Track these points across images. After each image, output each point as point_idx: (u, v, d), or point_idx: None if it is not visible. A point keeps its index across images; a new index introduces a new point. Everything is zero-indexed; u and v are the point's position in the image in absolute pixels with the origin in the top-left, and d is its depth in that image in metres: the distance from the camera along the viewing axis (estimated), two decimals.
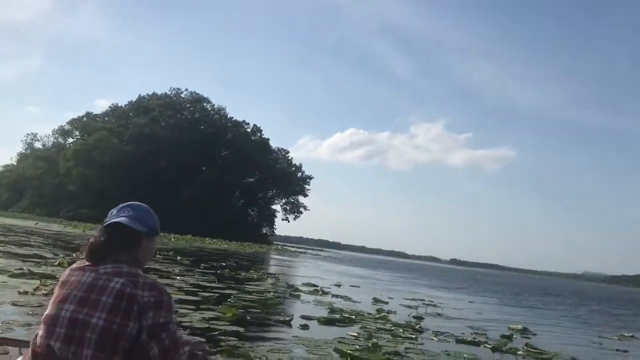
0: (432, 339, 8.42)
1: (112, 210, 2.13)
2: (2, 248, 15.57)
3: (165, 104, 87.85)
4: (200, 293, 10.26)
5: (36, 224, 45.49)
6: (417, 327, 9.52)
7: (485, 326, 11.18)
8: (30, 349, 1.95)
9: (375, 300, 14.10)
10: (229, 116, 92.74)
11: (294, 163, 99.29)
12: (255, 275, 16.86)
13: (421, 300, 16.26)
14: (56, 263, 12.55)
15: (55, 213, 77.66)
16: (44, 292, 7.87)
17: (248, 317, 8.05)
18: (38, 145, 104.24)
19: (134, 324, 1.88)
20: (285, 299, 11.77)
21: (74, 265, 2.04)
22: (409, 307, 13.55)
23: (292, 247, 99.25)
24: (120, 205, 2.13)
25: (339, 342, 6.96)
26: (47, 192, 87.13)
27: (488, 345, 8.31)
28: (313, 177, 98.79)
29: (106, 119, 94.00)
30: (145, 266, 2.14)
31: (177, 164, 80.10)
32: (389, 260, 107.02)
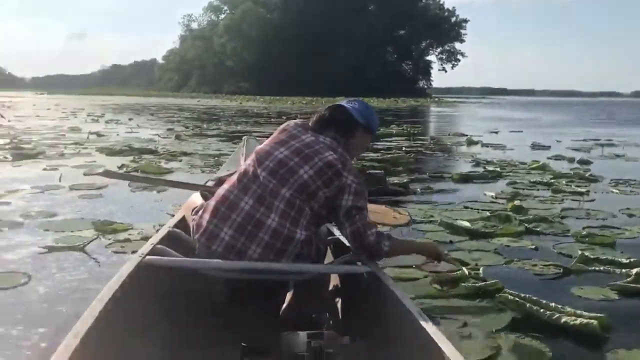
0: (610, 192, 6.16)
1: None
2: (134, 124, 15.47)
3: None
4: None
5: (198, 101, 47.60)
6: (588, 175, 7.22)
7: None
8: (237, 175, 2.18)
9: (536, 146, 11.71)
10: None
11: (446, 7, 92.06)
12: (394, 130, 15.09)
13: (595, 140, 13.41)
14: (173, 137, 11.91)
15: (218, 90, 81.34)
16: (125, 170, 6.89)
17: None
18: (194, 25, 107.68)
19: (328, 192, 2.06)
20: (421, 153, 9.97)
21: (297, 121, 2.30)
22: (579, 150, 10.99)
23: (451, 98, 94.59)
24: (350, 99, 2.41)
25: (465, 207, 5.10)
26: (209, 71, 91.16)
27: None
28: (469, 20, 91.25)
29: None
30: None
31: (323, 26, 77.99)
32: (560, 101, 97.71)
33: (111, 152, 8.77)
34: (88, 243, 3.57)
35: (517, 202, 5.04)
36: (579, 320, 2.45)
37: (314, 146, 2.13)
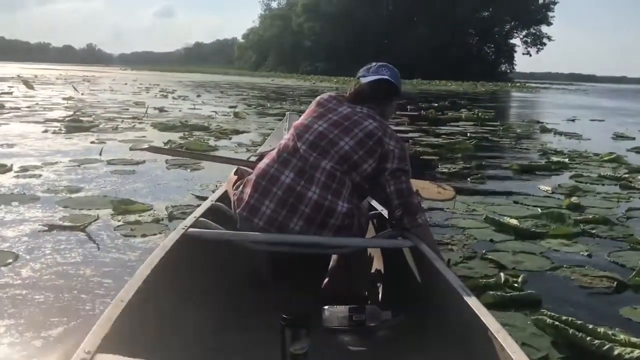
0: None
1: (369, 67, 2.34)
2: (200, 101, 15.52)
3: None
4: None
5: (272, 80, 47.83)
6: None
7: None
8: (276, 150, 2.16)
9: (617, 136, 10.75)
10: None
11: None
12: (463, 115, 14.37)
13: None
14: (232, 115, 11.81)
15: (295, 69, 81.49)
16: (170, 146, 6.78)
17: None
18: (274, 5, 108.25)
19: (373, 163, 2.06)
20: (486, 140, 9.33)
21: (332, 94, 2.27)
22: None
23: (535, 83, 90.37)
24: (377, 64, 2.34)
25: (514, 202, 4.58)
26: (287, 50, 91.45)
27: None
28: (557, 2, 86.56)
29: None
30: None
31: (402, 5, 76.35)
32: None
33: (164, 127, 8.74)
34: (89, 224, 3.39)
35: (574, 199, 4.49)
36: (635, 353, 1.98)
37: (352, 117, 2.13)
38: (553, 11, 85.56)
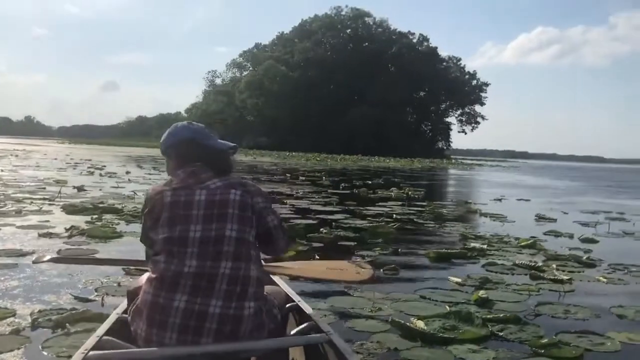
0: (599, 280, 5.36)
1: (175, 132, 2.15)
2: (127, 179, 14.98)
3: (327, 25, 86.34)
4: (293, 221, 8.18)
5: None
6: (586, 257, 6.43)
7: None
8: (155, 275, 1.92)
9: (540, 218, 10.90)
10: (392, 28, 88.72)
11: (467, 71, 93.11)
12: (393, 194, 14.44)
13: (607, 212, 12.55)
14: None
15: (238, 144, 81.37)
16: (70, 233, 6.31)
17: (317, 256, 5.72)
18: (218, 81, 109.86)
19: (253, 230, 2.00)
20: (411, 223, 9.24)
21: (174, 185, 1.99)
22: (586, 225, 10.18)
23: (471, 160, 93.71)
24: (178, 130, 2.15)
25: (422, 297, 4.36)
26: (230, 125, 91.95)
27: None
28: (489, 84, 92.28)
29: (274, 47, 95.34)
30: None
31: (343, 84, 79.04)
32: (582, 167, 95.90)
33: (73, 210, 8.21)
34: None
35: (482, 293, 4.29)
36: None
37: (215, 198, 1.97)
38: (486, 92, 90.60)
